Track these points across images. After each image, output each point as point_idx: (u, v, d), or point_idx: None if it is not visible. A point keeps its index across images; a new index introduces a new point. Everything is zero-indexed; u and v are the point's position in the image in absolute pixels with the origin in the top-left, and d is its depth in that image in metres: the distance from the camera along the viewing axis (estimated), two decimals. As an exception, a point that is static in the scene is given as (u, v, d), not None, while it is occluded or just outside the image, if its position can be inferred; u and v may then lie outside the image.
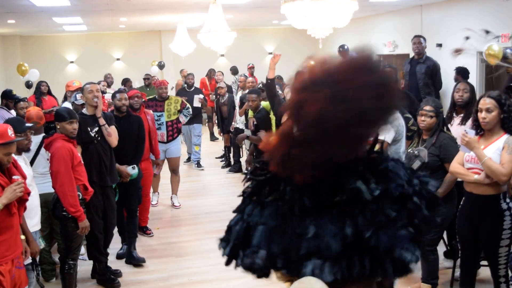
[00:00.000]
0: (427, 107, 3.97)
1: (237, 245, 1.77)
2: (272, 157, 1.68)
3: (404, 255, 1.45)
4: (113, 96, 5.31)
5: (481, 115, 3.45)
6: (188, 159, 9.78)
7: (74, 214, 3.91)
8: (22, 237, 3.37)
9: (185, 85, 9.29)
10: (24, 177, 3.33)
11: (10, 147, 3.12)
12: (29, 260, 3.41)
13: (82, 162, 4.19)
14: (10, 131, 3.14)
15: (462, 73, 7.18)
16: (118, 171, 4.92)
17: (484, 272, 3.83)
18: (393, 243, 1.42)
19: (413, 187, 1.55)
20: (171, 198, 7.22)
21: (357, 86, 1.52)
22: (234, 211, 1.77)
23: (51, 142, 4.00)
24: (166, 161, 6.97)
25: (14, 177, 3.18)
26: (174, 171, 7.20)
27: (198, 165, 9.36)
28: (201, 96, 8.70)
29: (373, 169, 1.57)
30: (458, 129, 4.38)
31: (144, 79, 11.27)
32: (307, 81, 1.59)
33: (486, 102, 3.43)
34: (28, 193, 3.28)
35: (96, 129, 4.54)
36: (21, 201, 3.23)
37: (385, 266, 1.42)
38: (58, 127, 4.03)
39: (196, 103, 8.54)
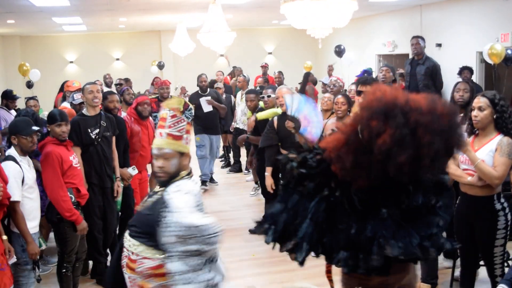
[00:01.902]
0: None
1: (282, 233, 2.33)
2: (338, 160, 2.18)
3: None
4: (104, 97, 5.00)
5: (474, 113, 3.46)
6: (204, 183, 7.74)
7: (70, 218, 3.88)
8: (4, 237, 3.34)
9: (199, 89, 7.79)
10: (5, 181, 3.31)
11: None
12: (13, 259, 3.40)
13: (79, 164, 4.16)
14: None
15: (469, 69, 7.18)
16: (120, 174, 4.88)
17: (484, 272, 3.83)
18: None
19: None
20: None
21: (433, 133, 2.01)
22: (277, 201, 2.48)
23: (43, 146, 3.97)
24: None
25: None
26: None
27: (212, 180, 8.07)
28: (208, 97, 7.61)
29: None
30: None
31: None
32: (389, 112, 2.05)
33: (479, 101, 3.44)
34: (8, 198, 3.25)
35: (97, 130, 4.48)
36: (0, 205, 3.20)
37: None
38: (49, 129, 4.00)
39: (206, 107, 7.49)
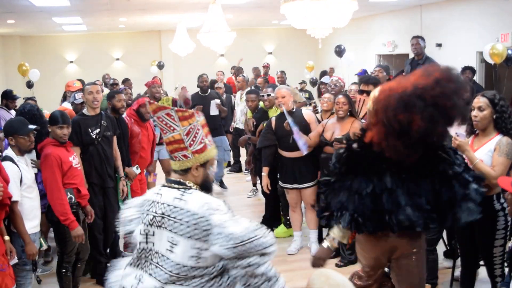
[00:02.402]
0: None
1: (356, 215, 2.74)
2: (389, 148, 2.63)
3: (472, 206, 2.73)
4: (111, 96, 5.04)
5: (473, 113, 3.46)
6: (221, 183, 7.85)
7: (64, 222, 3.86)
8: (6, 237, 3.34)
9: (199, 90, 7.66)
10: (6, 181, 3.31)
11: None
12: (15, 260, 3.39)
13: (79, 164, 4.14)
14: None
15: (471, 69, 7.18)
16: (126, 173, 4.92)
17: (484, 272, 3.82)
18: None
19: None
20: None
21: (450, 96, 2.49)
22: (338, 191, 2.86)
23: (42, 147, 3.97)
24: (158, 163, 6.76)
25: None
26: (168, 173, 7.10)
27: (222, 184, 7.87)
28: (218, 101, 7.44)
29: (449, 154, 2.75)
30: (458, 129, 4.38)
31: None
32: (407, 102, 2.48)
33: (479, 101, 3.44)
34: (9, 198, 3.25)
35: (97, 130, 4.47)
36: (1, 205, 3.19)
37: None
38: (50, 130, 3.99)
39: (214, 110, 7.31)
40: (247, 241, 2.10)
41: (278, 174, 5.28)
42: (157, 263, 2.22)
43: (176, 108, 2.29)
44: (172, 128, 2.27)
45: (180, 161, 2.28)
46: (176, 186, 2.27)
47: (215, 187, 7.67)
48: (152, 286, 2.19)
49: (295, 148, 4.90)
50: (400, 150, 2.60)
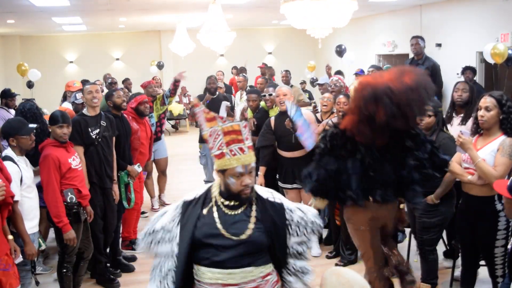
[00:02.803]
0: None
1: (320, 185, 3.31)
2: (359, 132, 3.15)
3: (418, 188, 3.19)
4: (110, 95, 5.05)
5: (480, 113, 3.46)
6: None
7: (57, 224, 3.86)
8: (10, 237, 3.34)
9: (207, 92, 7.38)
10: (8, 180, 3.31)
11: None
12: (19, 259, 3.39)
13: (80, 165, 4.14)
14: None
15: (471, 69, 7.19)
16: (128, 171, 4.96)
17: (484, 271, 3.83)
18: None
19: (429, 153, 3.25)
20: (153, 200, 7.03)
21: (412, 110, 3.05)
22: (313, 163, 3.39)
23: (42, 148, 3.97)
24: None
25: None
26: (163, 172, 7.07)
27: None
28: (228, 103, 7.22)
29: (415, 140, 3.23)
30: (458, 129, 4.39)
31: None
32: (377, 96, 2.99)
33: (486, 101, 3.43)
34: (12, 197, 3.25)
35: (97, 130, 4.48)
36: (4, 204, 3.20)
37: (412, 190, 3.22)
38: (50, 130, 3.99)
39: (223, 112, 7.01)
40: None
41: (278, 175, 5.28)
42: None
43: (203, 109, 2.33)
44: (202, 127, 2.37)
45: None
46: None
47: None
48: None
49: (295, 147, 4.90)
50: (367, 134, 3.13)
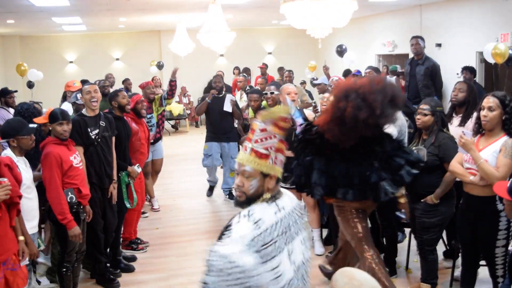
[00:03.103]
0: (423, 106, 4.02)
1: (299, 177, 3.67)
2: (329, 131, 3.42)
3: (387, 187, 3.43)
4: (115, 95, 5.06)
5: (483, 113, 3.45)
6: (211, 188, 7.51)
7: (61, 221, 3.87)
8: (21, 238, 3.36)
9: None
10: (18, 180, 3.31)
11: None
12: (26, 261, 3.40)
13: (81, 164, 4.15)
14: None
15: (469, 69, 7.19)
16: (128, 172, 4.97)
17: (484, 271, 3.83)
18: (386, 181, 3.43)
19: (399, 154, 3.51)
20: (153, 201, 7.02)
21: (374, 93, 3.31)
22: (294, 158, 3.75)
23: (44, 146, 3.97)
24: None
25: (0, 179, 3.14)
26: (157, 172, 7.07)
27: (231, 196, 7.19)
28: (233, 97, 7.11)
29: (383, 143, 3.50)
30: (458, 129, 4.39)
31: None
32: (347, 94, 3.35)
33: (489, 101, 3.43)
34: (20, 197, 3.25)
35: (96, 131, 4.47)
36: (12, 204, 3.20)
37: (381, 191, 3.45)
38: (50, 128, 3.98)
39: (228, 107, 6.91)
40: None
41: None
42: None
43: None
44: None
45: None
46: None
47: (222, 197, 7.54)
48: None
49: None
50: (336, 134, 3.42)
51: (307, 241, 2.27)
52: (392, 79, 6.22)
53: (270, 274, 1.99)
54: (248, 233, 2.00)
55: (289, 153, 4.35)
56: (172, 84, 6.78)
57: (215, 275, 1.97)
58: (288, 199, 2.23)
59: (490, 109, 3.41)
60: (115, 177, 4.74)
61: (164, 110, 6.94)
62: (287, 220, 2.14)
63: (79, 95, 5.34)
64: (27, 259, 3.40)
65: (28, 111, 4.65)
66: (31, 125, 3.76)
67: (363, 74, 7.08)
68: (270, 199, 2.14)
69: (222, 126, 6.97)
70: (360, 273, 1.92)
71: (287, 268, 2.05)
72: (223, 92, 7.09)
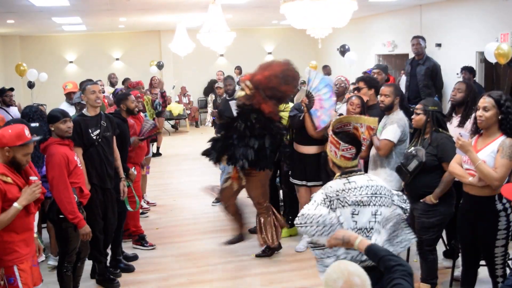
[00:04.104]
0: (417, 106, 4.07)
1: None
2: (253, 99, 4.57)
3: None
4: (123, 98, 5.07)
5: (478, 113, 3.46)
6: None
7: (72, 221, 3.88)
8: (35, 235, 3.41)
9: (225, 94, 6.86)
10: (38, 176, 3.35)
11: (28, 147, 3.14)
12: (42, 258, 3.43)
13: (81, 164, 4.16)
14: (27, 131, 3.14)
15: (468, 69, 7.18)
16: (126, 174, 4.95)
17: (484, 271, 3.83)
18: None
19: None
20: (144, 196, 7.01)
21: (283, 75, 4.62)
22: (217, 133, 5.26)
23: (46, 147, 3.96)
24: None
25: (31, 178, 3.19)
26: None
27: None
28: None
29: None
30: (457, 129, 4.39)
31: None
32: (264, 74, 4.55)
33: (485, 101, 3.43)
34: (44, 193, 3.30)
35: (97, 131, 4.45)
36: (37, 200, 3.25)
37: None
38: (53, 129, 3.96)
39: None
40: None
41: (290, 171, 5.34)
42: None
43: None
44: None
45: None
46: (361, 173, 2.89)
47: None
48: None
49: (310, 142, 5.03)
50: (258, 99, 4.48)
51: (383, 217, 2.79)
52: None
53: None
54: (318, 195, 2.86)
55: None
56: (164, 94, 6.82)
57: None
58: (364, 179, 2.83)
59: (485, 109, 3.41)
60: (122, 175, 4.77)
61: (154, 118, 6.95)
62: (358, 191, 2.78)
63: (75, 95, 5.34)
64: (43, 255, 3.43)
65: (36, 114, 4.76)
66: (32, 125, 3.76)
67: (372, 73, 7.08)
68: (341, 175, 2.86)
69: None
70: (353, 265, 1.98)
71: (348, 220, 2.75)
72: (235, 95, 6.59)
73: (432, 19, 9.48)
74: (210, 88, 14.79)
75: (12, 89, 7.10)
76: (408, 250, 4.80)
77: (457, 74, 7.69)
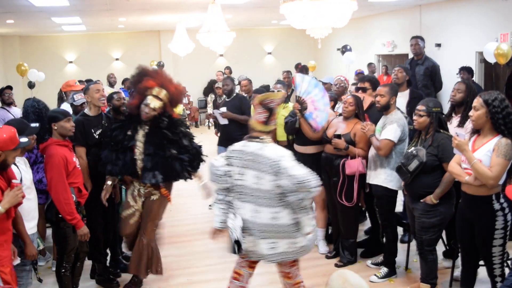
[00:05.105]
0: (419, 107, 4.05)
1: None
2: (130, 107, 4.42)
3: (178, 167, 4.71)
4: (110, 97, 4.94)
5: (470, 113, 3.52)
6: None
7: (71, 222, 3.87)
8: (36, 236, 3.42)
9: (224, 95, 6.78)
10: (15, 178, 3.32)
11: (19, 150, 3.14)
12: (18, 261, 3.41)
13: (83, 163, 4.14)
14: (17, 134, 3.14)
15: (467, 69, 7.19)
16: (121, 177, 4.91)
17: (484, 271, 3.83)
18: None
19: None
20: None
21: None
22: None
23: (46, 147, 3.95)
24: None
25: (13, 181, 3.17)
26: None
27: None
28: (223, 109, 6.43)
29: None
30: (456, 129, 4.39)
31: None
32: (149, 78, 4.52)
33: (475, 100, 3.50)
34: (23, 197, 3.27)
35: (99, 130, 4.45)
36: (16, 204, 3.22)
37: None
38: (56, 128, 3.95)
39: (222, 120, 6.47)
40: (302, 182, 3.08)
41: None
42: (251, 194, 3.27)
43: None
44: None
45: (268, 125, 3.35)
46: (257, 140, 3.31)
47: None
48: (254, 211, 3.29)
49: (308, 142, 5.01)
50: (133, 108, 4.31)
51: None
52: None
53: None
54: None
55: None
56: None
57: None
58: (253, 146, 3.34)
59: (475, 108, 3.48)
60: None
61: None
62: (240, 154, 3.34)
63: (76, 96, 5.31)
64: (19, 259, 3.41)
65: (35, 114, 4.71)
66: (32, 125, 3.75)
67: (391, 74, 7.09)
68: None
69: (226, 132, 6.50)
70: (354, 276, 1.96)
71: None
72: (234, 95, 6.56)
73: (431, 19, 9.49)
74: (209, 88, 14.80)
75: (10, 87, 7.07)
76: (408, 250, 4.80)
77: (457, 74, 7.69)
